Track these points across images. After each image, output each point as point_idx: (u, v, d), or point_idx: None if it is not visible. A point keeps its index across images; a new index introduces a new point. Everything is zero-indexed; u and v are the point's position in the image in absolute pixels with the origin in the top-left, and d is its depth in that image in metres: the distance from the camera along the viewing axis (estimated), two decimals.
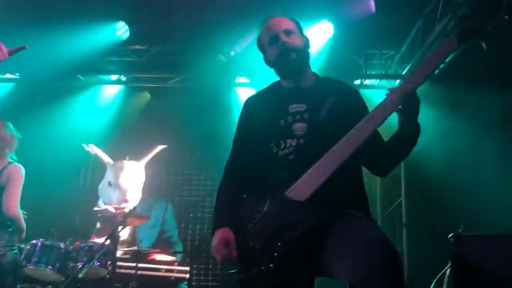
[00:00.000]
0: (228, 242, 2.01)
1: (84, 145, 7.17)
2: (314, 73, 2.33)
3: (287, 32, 2.21)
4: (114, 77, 7.42)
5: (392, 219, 7.12)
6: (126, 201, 6.89)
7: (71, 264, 4.90)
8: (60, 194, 6.68)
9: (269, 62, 2.30)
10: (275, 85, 2.35)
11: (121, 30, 6.41)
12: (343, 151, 1.88)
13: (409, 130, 1.96)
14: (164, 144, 7.27)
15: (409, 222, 6.87)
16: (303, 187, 1.90)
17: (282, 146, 2.09)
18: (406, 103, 1.85)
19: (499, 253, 3.25)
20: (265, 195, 2.00)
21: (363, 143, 1.88)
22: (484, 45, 1.79)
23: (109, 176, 7.17)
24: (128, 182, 7.07)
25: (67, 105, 7.33)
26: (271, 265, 1.84)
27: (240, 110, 2.39)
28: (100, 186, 7.25)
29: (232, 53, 6.39)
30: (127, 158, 7.23)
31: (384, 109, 1.90)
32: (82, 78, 7.27)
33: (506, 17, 1.75)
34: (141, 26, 6.37)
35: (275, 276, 1.86)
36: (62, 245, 4.93)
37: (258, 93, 2.39)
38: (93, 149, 7.22)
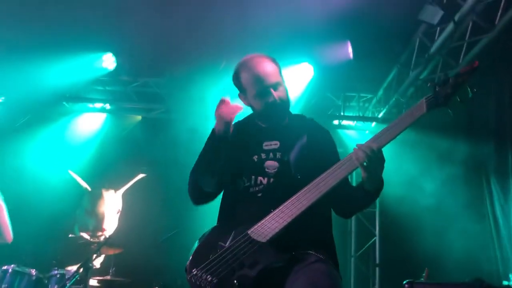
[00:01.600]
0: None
1: (70, 172, 7.18)
2: (289, 111, 2.40)
3: (276, 86, 2.25)
4: (98, 105, 7.51)
5: (366, 258, 7.22)
6: (103, 229, 6.87)
7: None
8: (35, 219, 6.64)
9: (248, 103, 2.35)
10: (252, 117, 2.41)
11: (108, 60, 6.55)
12: (308, 198, 1.95)
13: (372, 185, 2.01)
14: (143, 173, 7.30)
15: (382, 262, 6.98)
16: (265, 228, 1.97)
17: (253, 182, 2.17)
18: (370, 160, 1.91)
19: None
20: (230, 229, 2.05)
21: (326, 193, 1.95)
22: (451, 112, 1.89)
23: (86, 203, 7.16)
24: (106, 211, 7.06)
25: (49, 130, 7.38)
26: None
27: None
28: (77, 212, 7.22)
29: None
30: (106, 187, 7.24)
31: (349, 163, 1.96)
32: (66, 104, 7.36)
33: (475, 89, 1.87)
34: (128, 58, 6.53)
35: None
36: (33, 271, 4.89)
37: (236, 124, 2.40)
38: (72, 175, 7.23)
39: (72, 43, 6.13)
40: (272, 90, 2.24)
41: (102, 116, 7.57)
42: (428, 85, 1.91)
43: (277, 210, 1.98)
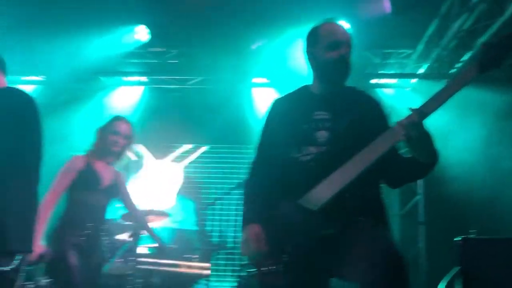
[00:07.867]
0: (258, 238, 2.13)
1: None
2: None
3: (348, 46, 2.28)
4: (134, 78, 7.57)
5: (409, 217, 7.16)
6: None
7: None
8: None
9: (315, 62, 2.33)
10: (303, 89, 2.41)
11: (141, 33, 6.56)
12: (357, 166, 1.98)
13: (421, 158, 2.01)
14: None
15: (426, 221, 6.90)
16: (316, 196, 2.02)
17: (304, 152, 2.19)
18: (409, 135, 1.90)
19: (502, 256, 3.35)
20: (282, 198, 2.15)
21: (374, 162, 1.97)
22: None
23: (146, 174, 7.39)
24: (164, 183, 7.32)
25: (88, 106, 7.52)
26: (275, 266, 2.03)
27: (267, 110, 2.45)
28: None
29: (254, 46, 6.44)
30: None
31: (390, 137, 1.97)
32: (102, 79, 7.45)
33: None
34: (161, 29, 6.51)
35: (285, 276, 2.02)
36: None
37: (286, 96, 2.45)
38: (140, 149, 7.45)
39: (104, 17, 6.16)
40: (345, 46, 2.26)
41: (140, 89, 7.63)
42: (480, 47, 1.89)
43: (326, 179, 2.02)
